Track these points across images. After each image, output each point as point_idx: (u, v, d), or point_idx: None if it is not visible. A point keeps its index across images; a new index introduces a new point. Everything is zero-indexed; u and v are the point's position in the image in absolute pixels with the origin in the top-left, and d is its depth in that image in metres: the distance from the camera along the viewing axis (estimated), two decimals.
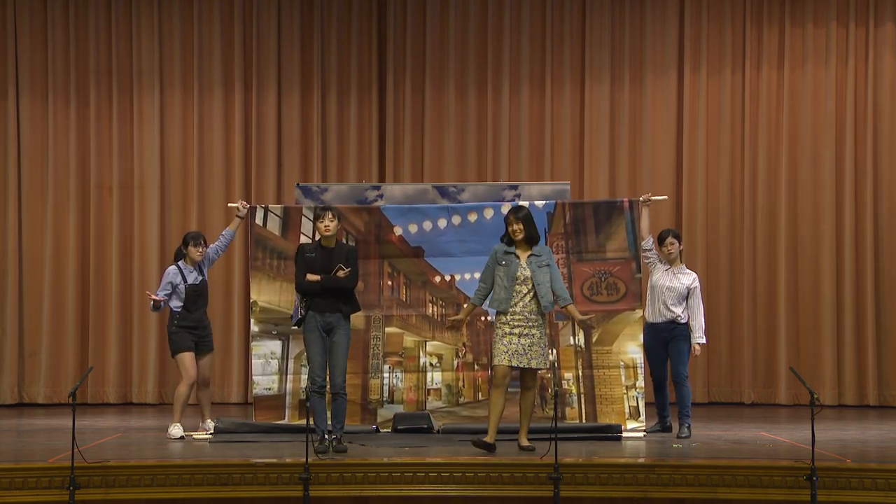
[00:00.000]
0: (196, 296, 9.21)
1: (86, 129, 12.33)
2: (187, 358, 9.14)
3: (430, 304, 9.50)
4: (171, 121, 12.37)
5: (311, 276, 8.31)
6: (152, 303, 9.25)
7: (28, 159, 12.29)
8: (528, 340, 8.23)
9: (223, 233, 9.53)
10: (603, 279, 9.41)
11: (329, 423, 8.25)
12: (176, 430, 9.05)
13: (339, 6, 12.45)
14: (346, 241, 9.19)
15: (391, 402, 9.47)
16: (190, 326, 9.17)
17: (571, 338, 9.42)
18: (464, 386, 9.54)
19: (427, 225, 9.53)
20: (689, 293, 9.25)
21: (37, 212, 12.27)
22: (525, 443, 8.28)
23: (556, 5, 12.43)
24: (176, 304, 9.19)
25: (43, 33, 12.33)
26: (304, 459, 7.27)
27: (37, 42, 12.33)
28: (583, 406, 9.36)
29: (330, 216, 8.40)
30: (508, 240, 8.39)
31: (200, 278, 9.27)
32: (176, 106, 12.37)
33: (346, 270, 8.29)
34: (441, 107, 12.43)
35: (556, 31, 12.43)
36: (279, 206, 9.81)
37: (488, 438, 8.20)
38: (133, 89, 12.33)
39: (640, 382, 9.34)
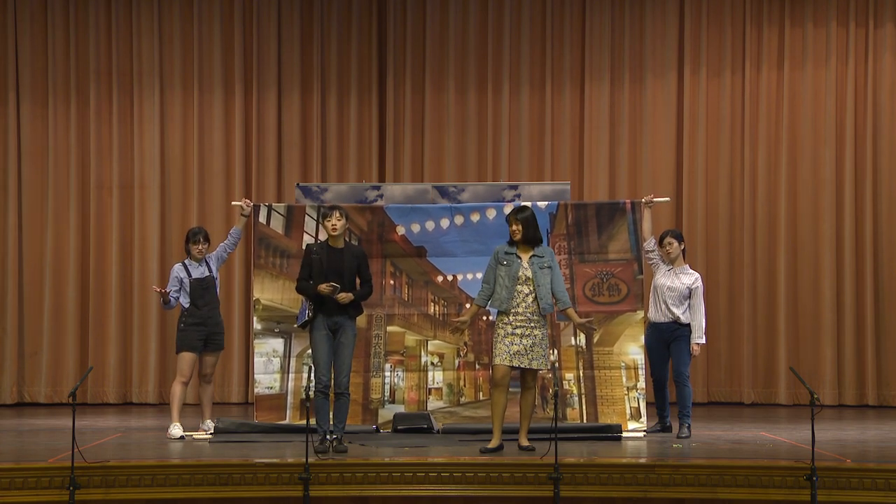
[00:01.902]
0: (202, 290, 9.19)
1: (86, 129, 12.33)
2: (186, 358, 9.15)
3: (432, 304, 9.52)
4: (172, 121, 12.37)
5: (323, 288, 8.21)
6: (162, 300, 9.26)
7: (28, 159, 12.29)
8: (530, 341, 8.23)
9: (231, 231, 9.53)
10: (604, 280, 9.42)
11: (330, 422, 8.25)
12: (176, 430, 9.05)
13: (339, 6, 12.45)
14: (351, 241, 9.17)
15: (392, 401, 9.47)
16: (198, 323, 9.16)
17: (573, 338, 9.42)
18: (465, 385, 9.54)
19: (430, 225, 9.54)
20: (690, 293, 9.25)
21: (37, 212, 12.27)
22: (525, 443, 8.28)
23: (556, 6, 12.43)
24: (185, 300, 9.21)
25: (43, 34, 12.33)
26: (304, 459, 7.28)
27: (37, 42, 12.33)
28: (584, 407, 9.37)
29: (337, 215, 8.34)
30: (511, 240, 8.40)
31: (207, 273, 9.26)
32: (176, 106, 12.37)
33: (341, 295, 8.20)
34: (441, 107, 12.43)
35: (556, 32, 12.43)
36: (283, 204, 9.82)
37: (492, 444, 8.22)
38: (133, 90, 12.33)
39: (641, 383, 9.35)
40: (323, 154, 12.41)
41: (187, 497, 7.44)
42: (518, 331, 8.24)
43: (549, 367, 8.48)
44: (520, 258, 8.31)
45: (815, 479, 7.16)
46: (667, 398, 9.43)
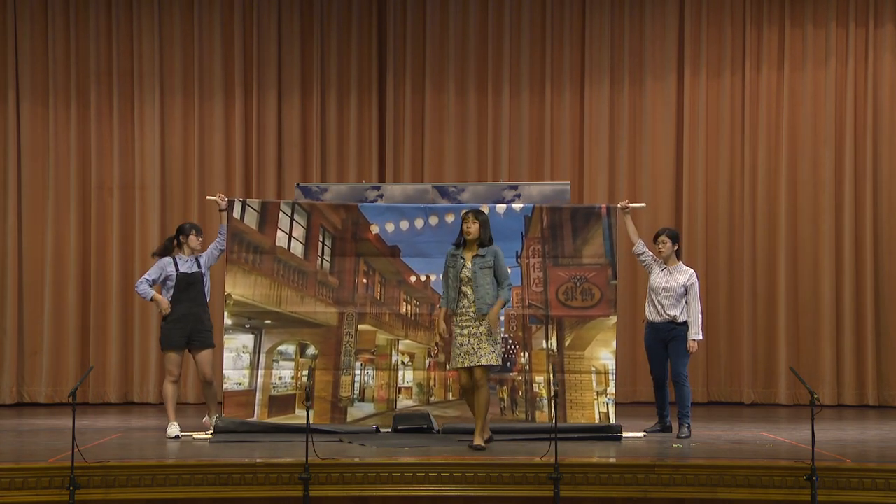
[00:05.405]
0: (186, 285, 9.18)
1: (86, 129, 12.33)
2: (170, 357, 9.22)
3: (405, 304, 9.50)
4: (172, 122, 12.38)
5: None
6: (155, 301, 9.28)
7: (29, 160, 12.29)
8: (476, 340, 8.37)
9: (220, 230, 9.51)
10: (578, 284, 9.41)
11: None
12: (172, 429, 9.07)
13: (339, 6, 12.46)
14: (324, 238, 9.32)
15: (362, 399, 9.45)
16: (177, 320, 9.16)
17: (544, 342, 9.40)
18: (435, 385, 9.52)
19: (404, 224, 9.54)
20: (686, 290, 9.24)
21: (37, 212, 12.27)
22: (478, 442, 8.33)
23: (555, 7, 12.43)
24: (168, 295, 9.21)
25: (43, 35, 12.33)
26: (304, 459, 7.28)
27: (37, 43, 12.33)
28: (552, 410, 9.34)
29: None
30: (461, 241, 8.53)
31: (195, 269, 9.25)
32: (176, 107, 12.37)
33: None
34: (441, 107, 12.43)
35: (556, 32, 12.43)
36: (257, 200, 9.83)
37: (482, 442, 8.35)
38: (134, 90, 12.33)
39: (612, 389, 9.29)
40: (323, 154, 12.41)
41: (187, 497, 7.45)
42: (465, 331, 8.42)
43: (499, 363, 8.53)
44: (463, 259, 8.49)
45: (815, 479, 7.17)
46: (666, 398, 9.43)
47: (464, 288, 8.46)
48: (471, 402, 8.51)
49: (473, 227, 8.49)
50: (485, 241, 8.53)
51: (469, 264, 8.47)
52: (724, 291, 12.21)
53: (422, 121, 12.44)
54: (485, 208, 9.34)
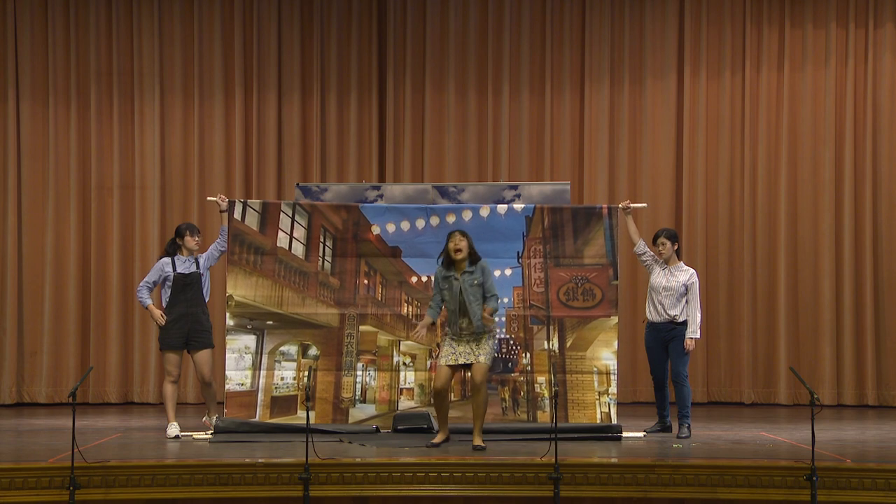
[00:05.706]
0: (183, 285, 9.18)
1: (86, 129, 12.34)
2: (169, 357, 9.23)
3: (406, 304, 9.50)
4: (172, 121, 12.38)
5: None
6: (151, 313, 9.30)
7: (28, 160, 12.30)
8: (476, 344, 8.44)
9: (221, 231, 9.52)
10: (579, 285, 9.42)
11: None
12: (172, 429, 9.08)
13: (339, 6, 12.46)
14: (325, 239, 9.34)
15: (363, 401, 9.46)
16: (176, 320, 9.16)
17: (546, 342, 9.40)
18: None
19: (405, 225, 9.54)
20: (686, 290, 9.25)
21: (37, 212, 12.27)
22: (478, 442, 8.34)
23: (555, 7, 12.43)
24: (166, 296, 9.21)
25: (43, 35, 12.33)
26: (304, 459, 7.28)
27: (37, 43, 12.34)
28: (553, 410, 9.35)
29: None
30: (446, 259, 8.53)
31: (193, 270, 9.25)
32: (176, 107, 12.37)
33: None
34: (441, 107, 12.43)
35: (556, 32, 12.43)
36: (258, 201, 9.83)
37: (438, 439, 8.46)
38: (134, 91, 12.34)
39: (613, 389, 9.31)
40: (323, 154, 12.42)
41: (187, 497, 7.45)
42: (465, 338, 8.46)
43: (490, 364, 8.54)
44: (458, 279, 8.50)
45: (815, 479, 7.17)
46: (667, 398, 9.43)
47: (464, 307, 8.49)
48: (440, 404, 8.51)
49: (462, 245, 8.48)
50: (474, 258, 8.54)
51: (462, 286, 8.47)
52: (724, 291, 12.21)
53: (422, 121, 12.44)
54: (485, 209, 9.37)
